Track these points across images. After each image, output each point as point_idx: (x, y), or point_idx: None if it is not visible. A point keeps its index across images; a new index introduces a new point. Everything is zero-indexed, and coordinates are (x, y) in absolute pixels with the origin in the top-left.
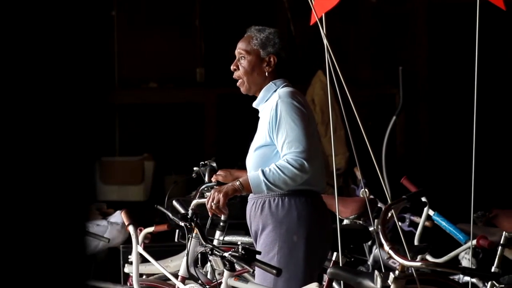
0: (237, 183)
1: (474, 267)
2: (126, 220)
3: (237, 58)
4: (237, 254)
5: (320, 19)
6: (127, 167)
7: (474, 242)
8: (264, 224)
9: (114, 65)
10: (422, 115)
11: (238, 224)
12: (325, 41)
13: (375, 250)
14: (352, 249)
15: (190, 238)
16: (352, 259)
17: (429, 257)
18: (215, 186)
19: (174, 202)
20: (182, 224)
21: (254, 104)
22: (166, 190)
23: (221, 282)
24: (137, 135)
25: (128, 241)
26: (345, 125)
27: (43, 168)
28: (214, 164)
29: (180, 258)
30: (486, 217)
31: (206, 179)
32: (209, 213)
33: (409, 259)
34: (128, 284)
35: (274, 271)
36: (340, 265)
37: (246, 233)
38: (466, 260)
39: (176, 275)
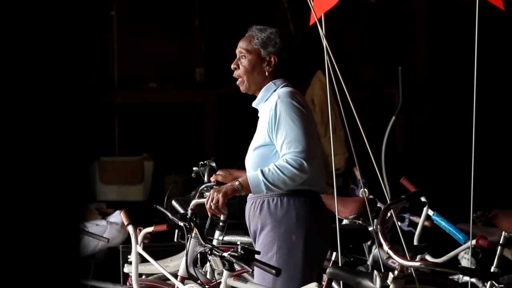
0: (236, 183)
1: (473, 267)
2: (126, 220)
3: (237, 57)
4: (236, 254)
5: (320, 19)
6: (126, 167)
7: (474, 242)
8: (263, 224)
9: (114, 65)
10: (422, 115)
11: (237, 224)
12: (324, 42)
13: (375, 250)
14: (351, 249)
15: (190, 238)
16: (352, 259)
17: (428, 257)
18: (214, 186)
19: (173, 202)
20: (181, 224)
21: (254, 104)
22: (166, 190)
23: (220, 282)
24: (137, 135)
25: (127, 241)
26: (344, 125)
27: (38, 168)
28: (214, 164)
29: (179, 258)
30: (486, 217)
31: (206, 179)
32: (209, 213)
33: (408, 259)
34: (128, 284)
35: (274, 271)
36: (340, 265)
37: (246, 233)
38: (465, 260)
39: (175, 275)
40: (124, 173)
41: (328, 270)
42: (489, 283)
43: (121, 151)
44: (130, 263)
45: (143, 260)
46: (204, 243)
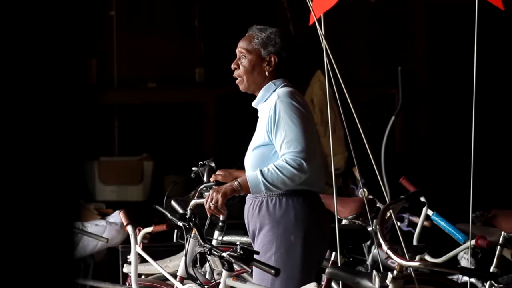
0: (236, 183)
1: (473, 267)
2: (125, 220)
3: (237, 57)
4: (235, 254)
5: (319, 20)
6: (126, 167)
7: (473, 242)
8: (261, 224)
9: (113, 65)
10: (421, 115)
11: (237, 224)
12: (323, 42)
13: (374, 250)
14: (351, 249)
15: (189, 238)
16: (351, 259)
17: (428, 257)
18: (213, 186)
19: (173, 202)
20: (180, 224)
21: (253, 104)
22: (165, 190)
23: (219, 282)
24: (136, 135)
25: (127, 241)
26: (344, 125)
27: (33, 167)
28: (213, 164)
29: (178, 258)
30: (485, 217)
31: (205, 179)
32: (208, 213)
33: (407, 259)
34: (127, 284)
35: (273, 271)
36: (339, 265)
37: (245, 233)
38: (465, 260)
39: (174, 275)
40: (123, 173)
41: (327, 270)
42: (488, 283)
43: (121, 151)
44: (130, 263)
45: (142, 260)
46: (203, 243)
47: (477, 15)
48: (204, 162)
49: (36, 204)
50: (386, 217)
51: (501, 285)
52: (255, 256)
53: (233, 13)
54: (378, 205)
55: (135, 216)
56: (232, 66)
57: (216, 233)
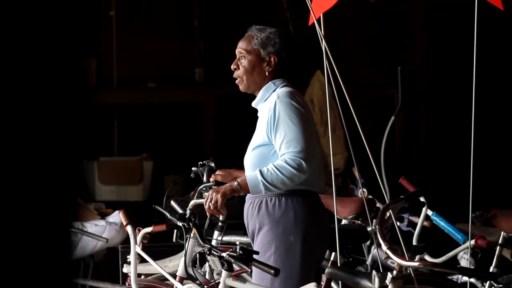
0: (235, 183)
1: (472, 267)
2: (124, 220)
3: (237, 57)
4: (235, 254)
5: (318, 20)
6: (125, 167)
7: (473, 242)
8: (261, 224)
9: (113, 65)
10: (421, 115)
11: (236, 224)
12: (323, 42)
13: (374, 250)
14: (350, 249)
15: (188, 238)
16: (350, 259)
17: (427, 257)
18: (213, 186)
19: (172, 202)
20: (180, 224)
21: (253, 104)
22: (165, 190)
23: (219, 282)
24: (136, 135)
25: (126, 241)
26: (343, 125)
27: (27, 167)
28: (213, 164)
29: (178, 258)
30: (484, 217)
31: (205, 179)
32: (207, 213)
33: (407, 259)
34: (127, 284)
35: (272, 271)
36: (338, 265)
37: (245, 233)
38: (464, 260)
39: (174, 275)
40: (123, 173)
41: (326, 270)
42: (488, 283)
43: (120, 151)
44: (129, 263)
45: (142, 260)
46: (202, 243)
47: (476, 15)
48: (204, 162)
49: (33, 204)
50: (386, 217)
51: (501, 285)
52: (255, 256)
53: (232, 13)
54: (377, 205)
55: (134, 216)
56: (232, 67)
57: (216, 233)
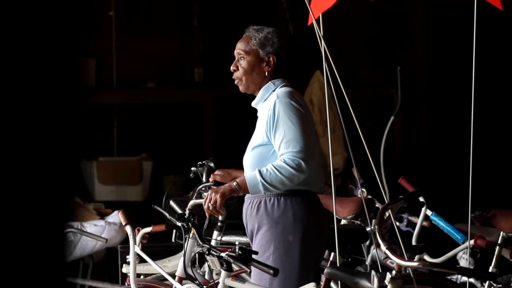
0: (234, 183)
1: (472, 267)
2: (123, 220)
3: (236, 58)
4: (234, 254)
5: (317, 20)
6: (125, 167)
7: (472, 242)
8: (259, 224)
9: (113, 65)
10: (421, 115)
11: (236, 224)
12: (322, 42)
13: (373, 250)
14: (350, 249)
15: (187, 238)
16: (350, 259)
17: (427, 257)
18: (212, 186)
19: (171, 202)
20: (179, 224)
21: (253, 104)
22: (165, 190)
23: (218, 282)
24: (135, 135)
25: (126, 241)
26: (342, 125)
27: (21, 167)
28: (212, 164)
29: (177, 258)
30: (484, 217)
31: (204, 179)
32: (206, 213)
33: (406, 259)
34: (126, 284)
35: (271, 271)
36: (338, 265)
37: (244, 233)
38: (464, 260)
39: (173, 275)
40: (122, 173)
41: (326, 270)
42: (487, 283)
43: (120, 151)
44: (129, 263)
45: (141, 260)
46: (201, 243)
47: (476, 15)
48: (203, 162)
49: (26, 203)
50: (385, 217)
51: (500, 285)
52: (254, 256)
53: (232, 13)
54: (377, 205)
55: (134, 216)
56: (232, 68)
57: (215, 233)
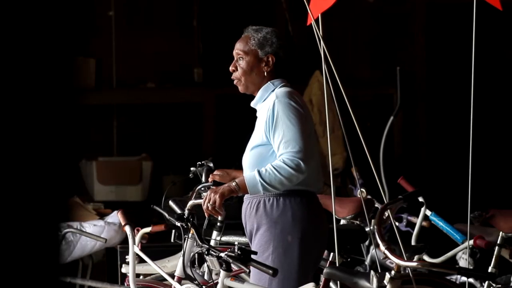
0: (233, 183)
1: (471, 267)
2: (122, 220)
3: (235, 59)
4: (233, 254)
5: (316, 20)
6: (125, 167)
7: (471, 242)
8: (258, 224)
9: (112, 65)
10: (420, 115)
11: (235, 224)
12: (321, 42)
13: (373, 251)
14: (349, 249)
15: (186, 238)
16: (349, 259)
17: (426, 257)
18: (211, 187)
19: (170, 202)
20: (178, 224)
21: (252, 104)
22: (164, 190)
23: (217, 282)
24: (135, 135)
25: (125, 241)
26: (341, 126)
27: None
28: (211, 164)
29: (177, 258)
30: (483, 217)
31: (203, 179)
32: (206, 214)
33: (405, 259)
34: (125, 284)
35: (270, 271)
36: (337, 265)
37: (243, 233)
38: (463, 260)
39: (173, 276)
40: (122, 173)
41: (325, 270)
42: (486, 283)
43: (119, 151)
44: (128, 263)
45: (140, 260)
46: (201, 244)
47: (475, 15)
48: (203, 162)
49: (21, 203)
50: (384, 217)
51: (499, 285)
52: (253, 256)
53: (231, 13)
54: (376, 205)
55: (133, 216)
56: (230, 69)
57: (215, 233)
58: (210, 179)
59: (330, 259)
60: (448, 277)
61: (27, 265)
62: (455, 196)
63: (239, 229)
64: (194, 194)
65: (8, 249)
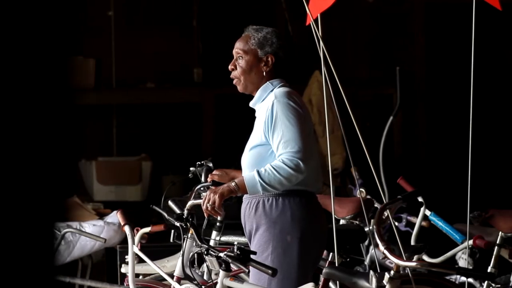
0: (233, 184)
1: (470, 267)
2: (122, 220)
3: (234, 58)
4: (232, 254)
5: (315, 20)
6: (124, 167)
7: (471, 242)
8: (258, 224)
9: (112, 65)
10: (420, 115)
11: (235, 224)
12: (320, 42)
13: (372, 251)
14: (348, 249)
15: (186, 238)
16: (348, 259)
17: (425, 257)
18: (210, 187)
19: (170, 202)
20: (177, 224)
21: (251, 104)
22: (164, 190)
23: (217, 283)
24: (135, 135)
25: (125, 241)
26: (340, 126)
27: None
28: (211, 164)
29: (176, 258)
30: (482, 217)
31: (203, 179)
32: (205, 214)
33: (404, 259)
34: (125, 284)
35: (270, 271)
36: (336, 265)
37: (243, 233)
38: (463, 260)
39: (172, 276)
40: (122, 173)
41: (324, 270)
42: (486, 283)
43: (119, 151)
44: (127, 263)
45: (140, 260)
46: (200, 244)
47: (474, 15)
48: (202, 162)
49: (15, 203)
50: (384, 217)
51: (499, 285)
52: (252, 256)
53: (231, 13)
54: (375, 205)
55: (132, 216)
56: (230, 67)
57: (214, 233)
58: (209, 179)
59: (329, 259)
60: (447, 277)
61: (21, 265)
62: (454, 196)
63: (238, 229)
64: (193, 194)
65: (2, 249)
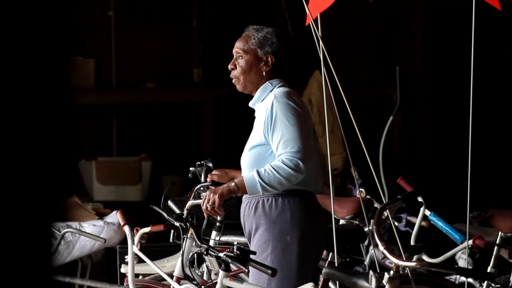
0: (233, 184)
1: (470, 267)
2: (121, 220)
3: (234, 57)
4: (232, 254)
5: (315, 20)
6: (124, 167)
7: (470, 242)
8: (257, 224)
9: (112, 65)
10: (419, 115)
11: (234, 224)
12: (320, 42)
13: (372, 251)
14: (348, 249)
15: (185, 238)
16: (348, 259)
17: (425, 257)
18: (210, 187)
19: (169, 202)
20: (177, 224)
21: (250, 104)
22: (164, 190)
23: (216, 283)
24: (134, 135)
25: (124, 241)
26: (340, 126)
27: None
28: (210, 164)
29: (176, 258)
30: (482, 217)
31: (202, 179)
32: (205, 214)
33: (404, 259)
34: (125, 284)
35: (269, 271)
36: (336, 265)
37: (243, 233)
38: (462, 260)
39: (172, 276)
40: (121, 173)
41: (324, 270)
42: (485, 283)
43: (119, 151)
44: (127, 263)
45: (140, 260)
46: (200, 244)
47: (474, 15)
48: (202, 162)
49: (13, 203)
50: (383, 217)
51: (498, 285)
52: (252, 256)
53: (231, 13)
54: (375, 205)
55: (132, 216)
56: (229, 67)
57: (214, 233)
58: (208, 179)
59: (329, 259)
60: (447, 277)
61: (21, 265)
62: (454, 196)
63: (238, 229)
64: (193, 194)
65: (2, 249)
